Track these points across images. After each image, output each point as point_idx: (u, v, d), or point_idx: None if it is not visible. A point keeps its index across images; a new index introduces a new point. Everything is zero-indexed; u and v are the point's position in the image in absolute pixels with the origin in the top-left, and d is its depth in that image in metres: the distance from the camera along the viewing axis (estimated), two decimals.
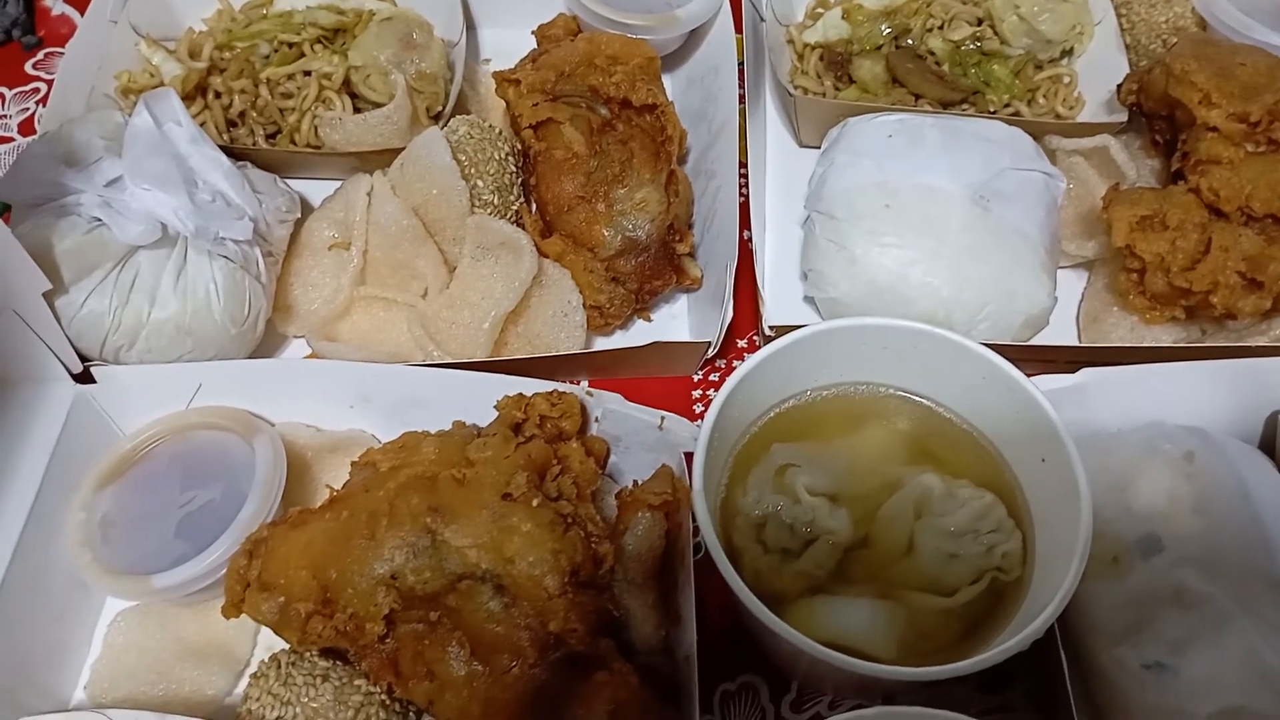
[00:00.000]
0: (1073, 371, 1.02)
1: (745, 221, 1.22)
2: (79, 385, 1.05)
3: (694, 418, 1.08)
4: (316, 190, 1.31)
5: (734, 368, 1.22)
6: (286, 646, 0.95)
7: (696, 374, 1.22)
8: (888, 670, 0.81)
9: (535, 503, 0.89)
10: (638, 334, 1.24)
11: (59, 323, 1.02)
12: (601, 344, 1.23)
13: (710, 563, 0.94)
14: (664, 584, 0.97)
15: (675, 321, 1.25)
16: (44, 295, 0.99)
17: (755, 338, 1.25)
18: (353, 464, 0.98)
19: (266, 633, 1.04)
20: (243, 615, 0.96)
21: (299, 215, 1.22)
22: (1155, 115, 1.23)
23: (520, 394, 1.00)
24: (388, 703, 0.92)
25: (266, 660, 0.94)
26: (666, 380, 1.20)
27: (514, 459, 0.92)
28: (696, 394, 1.20)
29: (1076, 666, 0.92)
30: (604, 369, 1.12)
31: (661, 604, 0.96)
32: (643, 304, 1.19)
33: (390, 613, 0.86)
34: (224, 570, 0.95)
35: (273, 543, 0.92)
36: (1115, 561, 0.94)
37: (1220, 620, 0.88)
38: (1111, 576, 0.93)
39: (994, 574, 0.92)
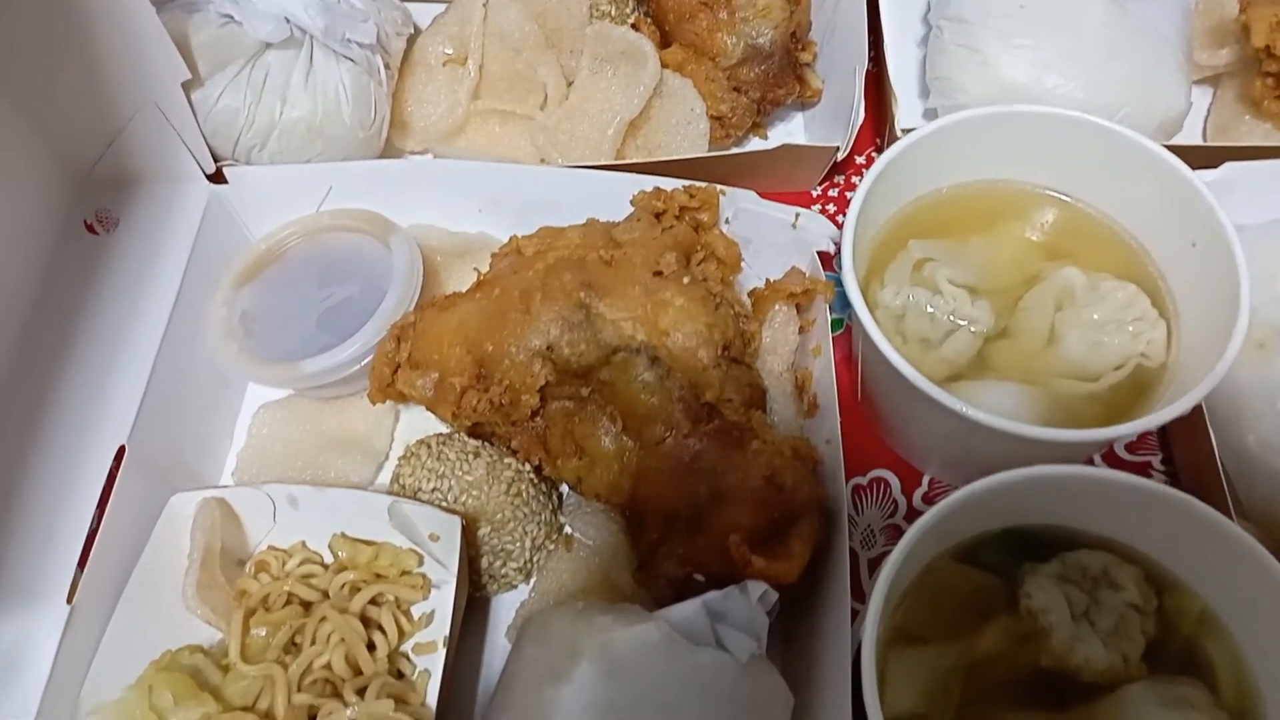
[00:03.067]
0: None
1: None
2: (212, 185, 1.06)
3: None
4: (422, 14, 1.29)
5: (853, 184, 1.22)
6: (420, 439, 0.97)
7: (815, 189, 1.21)
8: (1047, 432, 0.82)
9: (686, 280, 0.89)
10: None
11: (195, 119, 1.02)
12: None
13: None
14: (800, 377, 0.98)
15: (792, 139, 1.24)
16: (182, 87, 0.99)
17: (873, 154, 1.23)
18: (493, 255, 0.99)
19: (403, 428, 1.06)
20: (383, 404, 0.99)
21: (413, 30, 1.21)
22: None
23: (658, 187, 1.00)
24: (536, 480, 0.94)
25: (414, 444, 0.96)
26: (785, 195, 1.19)
27: (662, 240, 0.92)
28: (815, 209, 1.19)
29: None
30: (726, 179, 1.11)
31: (799, 395, 0.97)
32: (764, 114, 1.18)
33: (544, 385, 0.88)
34: (369, 358, 0.96)
35: (422, 325, 0.93)
36: (1261, 347, 0.93)
37: None
38: (1258, 361, 0.93)
39: (1138, 360, 0.92)
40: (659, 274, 0.89)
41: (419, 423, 1.04)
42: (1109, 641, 0.78)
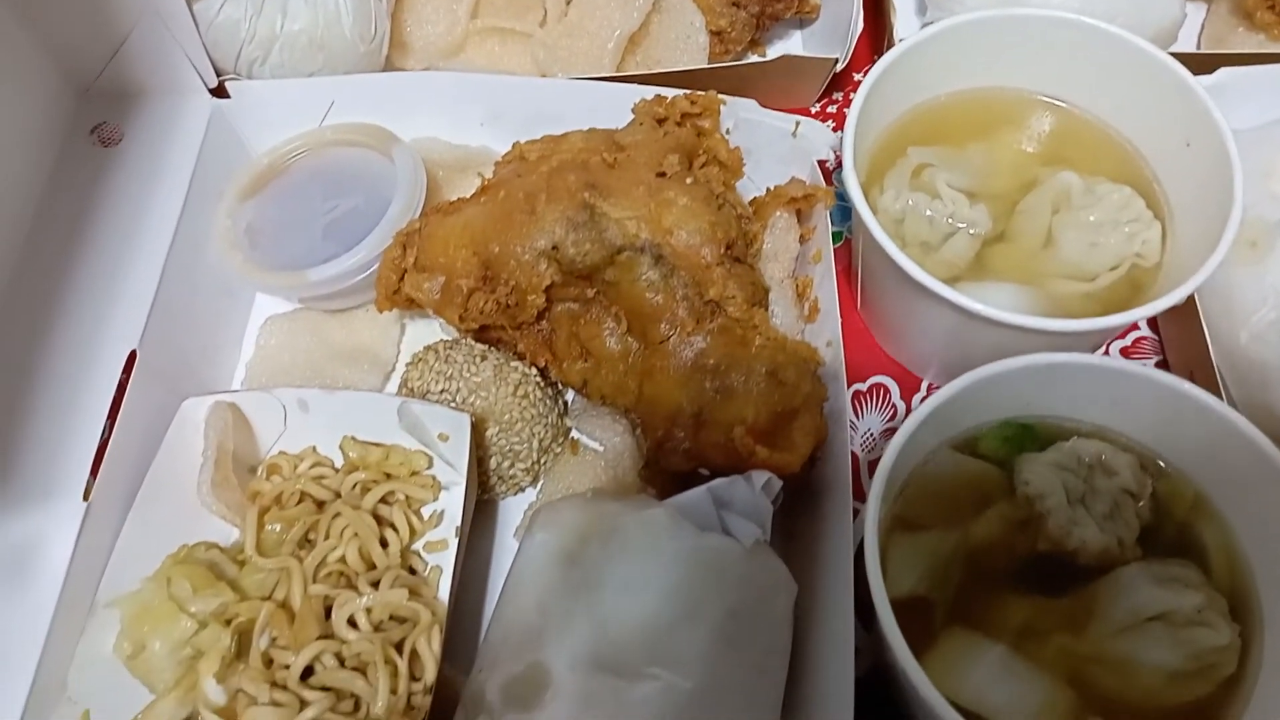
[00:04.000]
0: None
1: None
2: (215, 99, 1.06)
3: None
4: None
5: (851, 100, 1.23)
6: (428, 345, 0.98)
7: (814, 105, 1.22)
8: (1045, 323, 0.83)
9: (689, 181, 0.90)
10: None
11: (197, 30, 1.02)
12: None
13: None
14: (800, 284, 0.99)
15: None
16: None
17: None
18: (497, 162, 0.99)
19: (408, 340, 1.07)
20: (389, 315, 1.00)
21: None
22: None
23: (659, 94, 1.01)
24: (542, 384, 0.95)
25: (422, 349, 0.97)
26: (784, 110, 1.19)
27: (665, 142, 0.93)
28: None
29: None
30: (725, 92, 1.11)
31: (799, 301, 0.99)
32: (762, 30, 1.19)
33: (550, 286, 0.89)
34: (374, 267, 0.97)
35: (428, 229, 0.94)
36: (1254, 245, 0.95)
37: None
38: (1250, 260, 0.94)
39: (1134, 260, 0.94)
40: (662, 175, 0.90)
41: (424, 335, 1.05)
42: (1104, 525, 0.81)
